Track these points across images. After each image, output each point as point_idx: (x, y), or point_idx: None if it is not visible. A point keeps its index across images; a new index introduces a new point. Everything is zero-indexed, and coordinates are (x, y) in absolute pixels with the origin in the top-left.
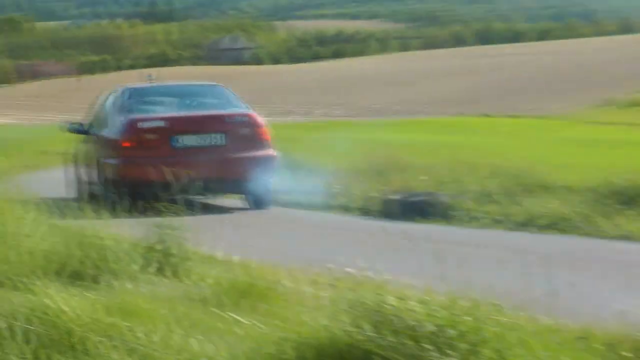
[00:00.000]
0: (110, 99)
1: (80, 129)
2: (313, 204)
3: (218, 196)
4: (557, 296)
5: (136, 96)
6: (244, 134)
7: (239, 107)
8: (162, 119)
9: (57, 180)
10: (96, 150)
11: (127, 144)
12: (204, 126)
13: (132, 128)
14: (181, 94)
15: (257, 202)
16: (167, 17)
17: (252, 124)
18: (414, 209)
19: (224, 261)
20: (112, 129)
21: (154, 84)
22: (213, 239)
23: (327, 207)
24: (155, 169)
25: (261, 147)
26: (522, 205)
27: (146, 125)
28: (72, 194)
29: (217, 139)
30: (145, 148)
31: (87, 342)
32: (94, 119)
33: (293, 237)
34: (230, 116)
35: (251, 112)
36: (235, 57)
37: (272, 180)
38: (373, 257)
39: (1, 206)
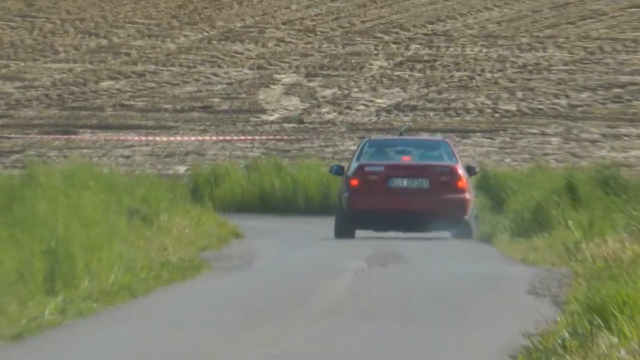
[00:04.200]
0: (358, 148)
1: (338, 171)
2: None
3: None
4: None
5: (372, 147)
6: (443, 180)
7: (446, 160)
8: (381, 165)
9: None
10: (341, 187)
11: (354, 183)
12: (412, 173)
13: (360, 171)
14: (409, 146)
15: (458, 234)
16: None
17: (450, 173)
18: None
19: None
20: (349, 171)
21: (389, 138)
22: None
23: None
24: (374, 202)
25: (456, 192)
26: None
27: (370, 169)
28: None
29: (422, 183)
30: (367, 186)
31: None
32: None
33: None
34: (434, 166)
35: (453, 164)
36: None
37: (467, 218)
38: None
39: None
